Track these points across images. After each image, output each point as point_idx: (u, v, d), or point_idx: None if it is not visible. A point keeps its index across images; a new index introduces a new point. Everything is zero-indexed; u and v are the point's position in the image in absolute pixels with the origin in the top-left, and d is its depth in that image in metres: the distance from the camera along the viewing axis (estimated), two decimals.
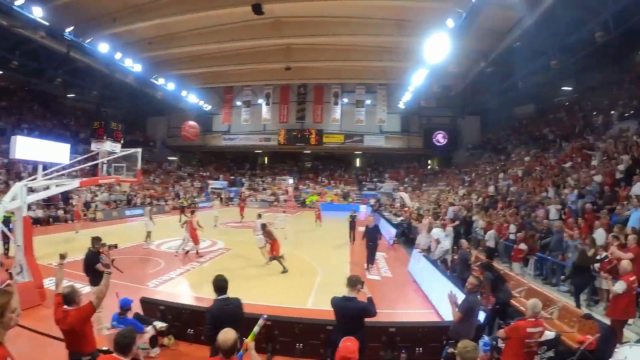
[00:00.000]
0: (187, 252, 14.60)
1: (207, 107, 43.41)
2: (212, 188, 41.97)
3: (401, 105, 39.07)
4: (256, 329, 4.17)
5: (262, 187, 44.29)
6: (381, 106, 41.25)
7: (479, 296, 5.99)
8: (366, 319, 5.09)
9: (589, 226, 10.98)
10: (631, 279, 6.64)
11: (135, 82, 32.45)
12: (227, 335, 3.55)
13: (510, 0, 18.00)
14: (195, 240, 14.64)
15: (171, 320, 7.05)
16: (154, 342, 6.54)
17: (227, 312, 4.73)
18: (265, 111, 42.77)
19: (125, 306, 6.66)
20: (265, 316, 4.43)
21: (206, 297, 8.28)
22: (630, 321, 7.19)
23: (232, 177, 45.98)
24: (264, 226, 13.63)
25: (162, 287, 10.68)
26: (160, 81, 33.78)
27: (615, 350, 5.17)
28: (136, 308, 7.17)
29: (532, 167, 21.92)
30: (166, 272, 12.14)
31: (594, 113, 23.08)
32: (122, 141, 13.12)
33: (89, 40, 25.28)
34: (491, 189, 21.96)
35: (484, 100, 34.85)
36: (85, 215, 23.78)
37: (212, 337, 4.69)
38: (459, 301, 5.99)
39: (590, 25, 18.53)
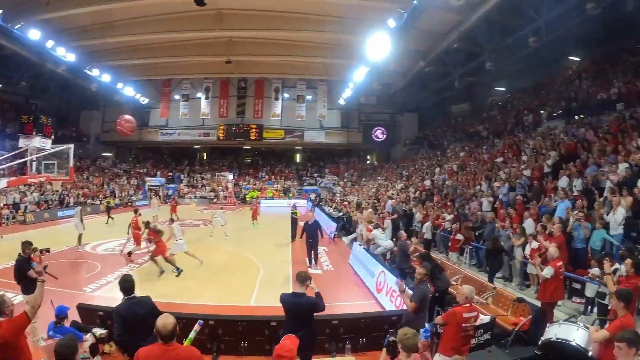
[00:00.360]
0: (130, 253, 13.64)
1: (144, 101, 41.60)
2: (149, 185, 40.53)
3: (341, 102, 39.56)
4: (192, 334, 4.11)
5: (201, 184, 43.38)
6: (322, 102, 41.58)
7: (428, 285, 6.24)
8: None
9: (519, 216, 11.71)
10: (558, 264, 7.14)
11: (67, 73, 30.32)
12: (166, 320, 3.45)
13: (450, 3, 18.56)
14: (137, 242, 13.98)
15: (111, 326, 6.74)
16: (94, 350, 6.21)
17: (135, 311, 4.56)
18: (204, 105, 41.84)
19: (61, 314, 6.28)
20: (201, 321, 4.37)
21: None
22: (560, 302, 7.76)
23: (170, 174, 44.65)
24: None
25: (100, 291, 10.16)
26: (95, 72, 31.65)
27: (546, 329, 5.54)
28: (73, 315, 6.76)
29: (467, 162, 23.18)
30: (103, 276, 11.53)
31: (525, 112, 24.74)
32: (52, 137, 12.40)
33: (18, 25, 23.01)
34: (427, 182, 22.93)
35: (422, 98, 36.05)
36: (13, 217, 22.20)
37: (122, 337, 4.56)
38: (406, 288, 6.23)
39: (525, 31, 19.70)
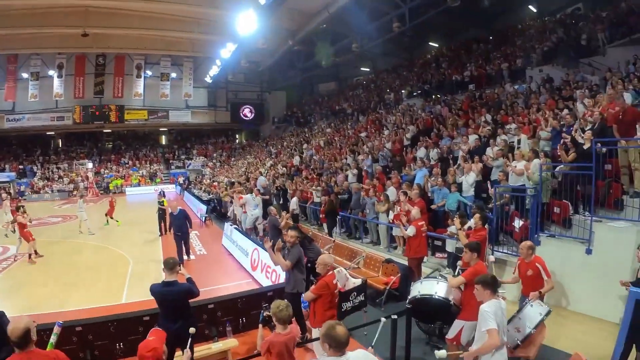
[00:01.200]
0: (30, 255, 12.14)
1: None
2: None
3: (208, 79, 38.21)
4: (53, 338, 3.67)
5: (57, 175, 38.44)
6: (187, 80, 39.68)
7: (300, 248, 6.30)
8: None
9: (383, 185, 12.48)
10: (419, 223, 7.83)
11: None
12: (15, 324, 2.99)
13: None
14: (28, 238, 12.32)
15: None
16: None
17: None
18: (57, 85, 36.55)
19: None
20: (60, 322, 3.88)
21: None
22: (425, 259, 8.46)
23: (20, 167, 38.54)
24: None
25: None
26: None
27: (410, 288, 5.98)
28: None
29: (333, 138, 24.31)
30: None
31: (387, 91, 27.05)
32: None
33: None
34: (296, 159, 23.43)
35: (290, 76, 36.52)
36: None
37: None
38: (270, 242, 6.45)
39: (390, 16, 20.98)
